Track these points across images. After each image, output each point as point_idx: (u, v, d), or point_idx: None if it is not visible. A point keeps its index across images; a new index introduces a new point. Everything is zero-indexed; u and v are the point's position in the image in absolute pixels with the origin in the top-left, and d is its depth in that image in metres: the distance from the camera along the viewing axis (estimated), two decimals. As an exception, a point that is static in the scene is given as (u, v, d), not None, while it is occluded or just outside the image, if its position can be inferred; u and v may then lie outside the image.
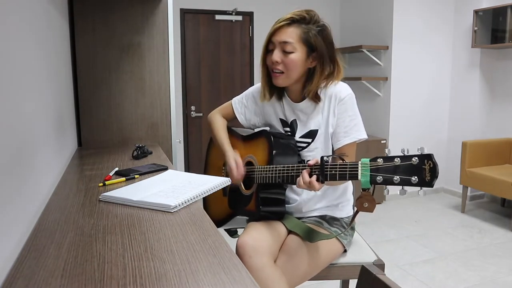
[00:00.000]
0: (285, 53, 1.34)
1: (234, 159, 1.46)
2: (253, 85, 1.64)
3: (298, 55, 1.34)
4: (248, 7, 4.51)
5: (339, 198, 1.50)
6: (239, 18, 4.52)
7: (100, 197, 1.15)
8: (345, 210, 1.52)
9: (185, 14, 4.31)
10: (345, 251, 1.44)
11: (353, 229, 1.52)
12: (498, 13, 3.76)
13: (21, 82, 1.00)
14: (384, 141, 4.20)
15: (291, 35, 1.33)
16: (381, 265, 1.41)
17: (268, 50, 1.39)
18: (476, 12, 3.87)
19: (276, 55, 1.35)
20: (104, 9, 2.11)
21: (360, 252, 1.47)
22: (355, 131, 1.40)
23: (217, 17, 4.43)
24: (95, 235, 0.88)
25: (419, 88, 4.32)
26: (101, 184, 1.30)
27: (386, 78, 4.26)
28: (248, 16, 4.55)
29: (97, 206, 1.09)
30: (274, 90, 1.46)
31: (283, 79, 1.38)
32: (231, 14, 4.46)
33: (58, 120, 1.53)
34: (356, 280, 0.90)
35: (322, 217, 1.47)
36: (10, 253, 0.80)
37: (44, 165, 1.22)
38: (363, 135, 1.41)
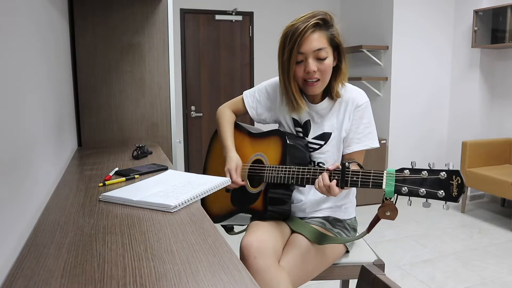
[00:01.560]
0: (320, 60, 1.31)
1: (236, 163, 1.43)
2: (253, 85, 1.62)
3: (330, 59, 1.33)
4: (248, 7, 4.51)
5: (343, 200, 1.50)
6: (239, 18, 4.52)
7: (100, 197, 1.15)
8: (348, 212, 1.51)
9: (185, 14, 4.31)
10: (347, 251, 1.44)
11: (355, 230, 1.52)
12: (498, 13, 3.76)
13: (21, 82, 1.00)
14: (384, 141, 4.20)
15: (322, 40, 1.30)
16: (381, 265, 1.41)
17: (296, 62, 1.33)
18: (476, 12, 3.87)
19: (313, 65, 1.30)
20: (104, 9, 2.11)
21: (360, 252, 1.47)
22: (369, 139, 1.41)
23: (217, 17, 4.43)
24: (95, 235, 0.88)
25: (419, 88, 4.32)
26: (101, 184, 1.30)
27: (386, 78, 4.26)
28: (248, 16, 4.55)
29: (97, 206, 1.09)
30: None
31: (319, 86, 1.36)
32: (231, 14, 4.46)
33: (58, 120, 1.53)
34: (356, 280, 0.90)
35: (325, 218, 1.46)
36: (10, 253, 0.80)
37: (44, 165, 1.22)
38: (376, 144, 1.41)
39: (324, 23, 1.31)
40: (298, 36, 1.28)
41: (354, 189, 1.54)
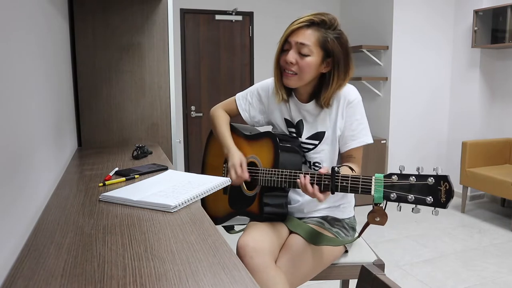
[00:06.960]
0: (301, 55, 1.32)
1: (240, 158, 1.42)
2: (253, 84, 1.62)
3: (313, 59, 1.32)
4: (248, 7, 4.51)
5: (341, 200, 1.50)
6: (239, 18, 4.52)
7: (100, 197, 1.15)
8: (346, 211, 1.51)
9: (185, 14, 4.31)
10: (346, 251, 1.44)
11: (354, 229, 1.52)
12: (498, 13, 3.76)
13: (21, 83, 1.00)
14: (384, 141, 4.20)
15: (309, 37, 1.31)
16: (381, 265, 1.41)
17: (283, 49, 1.36)
18: (476, 12, 3.87)
19: (292, 56, 1.32)
20: (104, 9, 2.11)
21: (360, 252, 1.47)
22: (363, 135, 1.41)
23: (217, 17, 4.43)
24: (95, 235, 0.88)
25: (419, 88, 4.32)
26: (101, 184, 1.30)
27: (386, 78, 4.26)
28: (248, 16, 4.55)
29: (97, 206, 1.09)
30: (287, 90, 1.44)
31: (295, 80, 1.36)
32: (231, 14, 4.46)
33: (58, 120, 1.53)
34: (356, 280, 0.90)
35: (324, 218, 1.46)
36: (10, 253, 0.80)
37: (44, 165, 1.22)
38: (369, 140, 1.42)
39: (320, 23, 1.31)
40: (292, 25, 1.34)
41: None
